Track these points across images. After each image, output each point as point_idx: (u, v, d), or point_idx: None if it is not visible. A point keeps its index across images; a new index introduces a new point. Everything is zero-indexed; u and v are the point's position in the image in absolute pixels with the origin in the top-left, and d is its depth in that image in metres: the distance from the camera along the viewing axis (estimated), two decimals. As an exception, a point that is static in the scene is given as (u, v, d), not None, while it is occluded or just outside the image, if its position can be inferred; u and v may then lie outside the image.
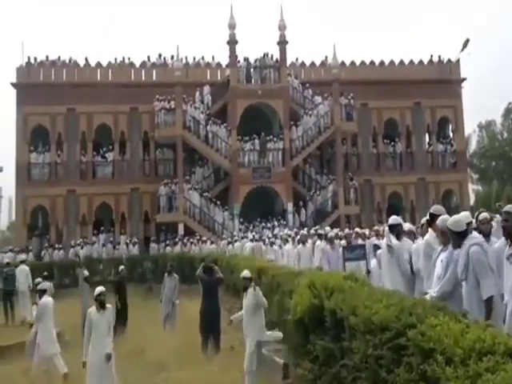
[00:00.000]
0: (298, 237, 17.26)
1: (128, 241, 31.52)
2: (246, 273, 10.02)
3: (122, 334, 14.97)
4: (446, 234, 6.72)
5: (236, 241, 24.92)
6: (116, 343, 13.87)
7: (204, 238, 28.30)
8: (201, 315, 12.44)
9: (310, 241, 16.25)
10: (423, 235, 8.23)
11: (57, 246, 31.37)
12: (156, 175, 34.74)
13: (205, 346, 12.11)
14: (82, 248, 30.18)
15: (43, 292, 12.47)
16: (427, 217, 8.14)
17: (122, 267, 17.03)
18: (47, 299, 12.25)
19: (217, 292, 12.92)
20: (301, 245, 15.81)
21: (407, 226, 10.01)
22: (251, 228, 29.41)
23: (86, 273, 16.88)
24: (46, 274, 18.79)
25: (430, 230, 7.88)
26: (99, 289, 9.95)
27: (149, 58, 36.82)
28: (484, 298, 5.65)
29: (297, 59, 37.49)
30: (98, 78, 35.46)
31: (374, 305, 4.65)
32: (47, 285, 15.27)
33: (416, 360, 3.72)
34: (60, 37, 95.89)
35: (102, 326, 9.60)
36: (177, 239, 29.90)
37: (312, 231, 18.77)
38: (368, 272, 10.78)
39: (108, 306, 9.95)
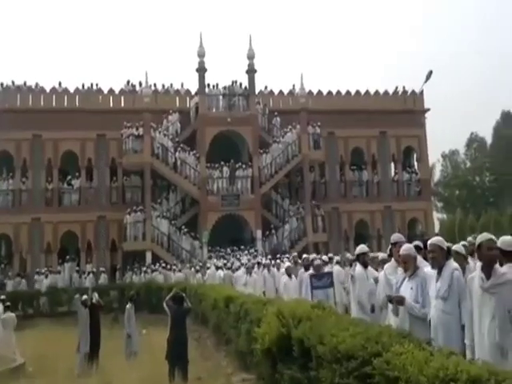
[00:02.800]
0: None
1: (94, 270, 31.06)
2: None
3: (97, 364, 14.76)
4: (410, 261, 6.83)
5: (208, 268, 24.70)
6: (85, 375, 13.68)
7: (173, 267, 28.02)
8: (168, 344, 12.29)
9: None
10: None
11: (22, 274, 30.79)
12: (123, 203, 34.39)
13: (172, 376, 11.95)
14: (46, 277, 29.64)
15: None
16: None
17: (95, 295, 16.71)
18: None
19: (185, 321, 12.82)
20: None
21: (381, 255, 10.19)
22: (220, 255, 29.30)
23: (85, 296, 16.38)
24: (8, 304, 18.45)
25: (392, 259, 8.05)
26: None
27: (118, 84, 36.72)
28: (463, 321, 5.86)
29: (265, 87, 37.90)
30: (65, 103, 35.12)
31: (340, 333, 4.69)
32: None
33: (382, 389, 3.75)
34: (26, 62, 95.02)
35: None
36: (144, 268, 29.57)
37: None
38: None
39: None
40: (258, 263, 20.12)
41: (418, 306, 6.46)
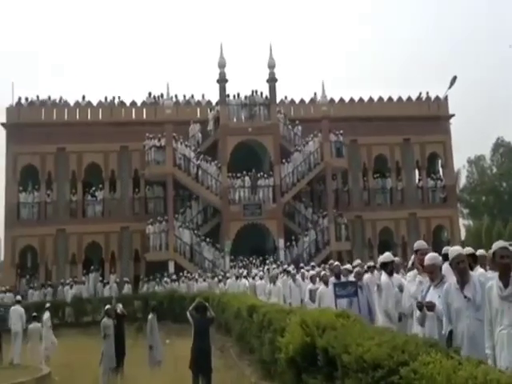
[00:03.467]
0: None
1: (118, 280, 31.21)
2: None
3: (121, 373, 14.79)
4: (435, 270, 6.72)
5: (228, 278, 24.71)
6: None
7: (196, 277, 28.04)
8: (192, 354, 12.26)
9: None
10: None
11: (47, 284, 31.13)
12: (146, 213, 34.61)
13: (196, 386, 11.92)
14: (71, 288, 29.88)
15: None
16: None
17: (119, 305, 16.76)
18: None
19: (208, 331, 12.79)
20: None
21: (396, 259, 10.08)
22: (242, 265, 29.24)
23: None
24: (35, 314, 18.63)
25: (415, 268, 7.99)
26: None
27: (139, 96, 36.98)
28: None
29: (286, 97, 37.90)
30: (89, 117, 35.55)
31: (365, 342, 4.61)
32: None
33: (409, 398, 3.66)
34: (50, 77, 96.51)
35: None
36: (165, 278, 29.63)
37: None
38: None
39: None
40: (286, 271, 19.94)
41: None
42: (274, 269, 24.28)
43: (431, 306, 6.45)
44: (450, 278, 6.54)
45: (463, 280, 6.11)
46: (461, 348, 5.55)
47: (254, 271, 24.23)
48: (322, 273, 14.44)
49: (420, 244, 8.16)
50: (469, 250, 7.46)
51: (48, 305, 20.55)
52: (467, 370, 3.42)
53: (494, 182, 61.08)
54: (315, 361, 5.79)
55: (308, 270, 18.26)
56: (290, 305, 15.74)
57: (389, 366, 4.09)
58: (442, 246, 10.76)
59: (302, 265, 22.42)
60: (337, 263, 13.57)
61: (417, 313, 6.79)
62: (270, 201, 32.57)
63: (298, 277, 17.86)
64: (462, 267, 6.14)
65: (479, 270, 7.46)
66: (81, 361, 16.50)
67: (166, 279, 29.43)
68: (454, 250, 6.34)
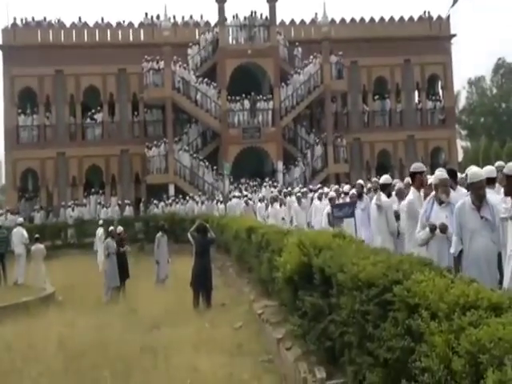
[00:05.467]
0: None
1: (119, 202, 31.53)
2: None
3: (123, 291, 15.22)
4: (446, 187, 6.53)
5: (230, 199, 24.88)
6: (112, 302, 14.12)
7: (197, 199, 28.23)
8: (193, 273, 12.62)
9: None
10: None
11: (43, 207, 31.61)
12: (146, 136, 34.54)
13: (196, 303, 12.32)
14: (73, 210, 30.25)
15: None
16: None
17: (120, 228, 17.08)
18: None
19: (209, 251, 13.12)
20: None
21: (398, 184, 9.95)
22: (242, 187, 29.38)
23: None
24: (37, 236, 18.94)
25: (412, 188, 7.91)
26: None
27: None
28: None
29: (286, 17, 37.05)
30: (85, 38, 34.88)
31: (361, 262, 4.72)
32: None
33: (402, 315, 3.79)
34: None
35: None
36: (167, 200, 29.91)
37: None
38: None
39: None
40: (290, 193, 19.81)
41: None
42: (271, 192, 24.35)
43: (444, 229, 6.22)
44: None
45: (481, 202, 5.83)
46: (472, 268, 5.60)
47: (257, 194, 24.35)
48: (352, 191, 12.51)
49: (419, 166, 8.09)
50: (490, 169, 6.96)
51: (101, 222, 23.16)
52: (459, 288, 3.52)
53: (494, 103, 60.53)
54: (311, 279, 5.94)
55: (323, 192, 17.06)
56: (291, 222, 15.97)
57: (383, 284, 4.20)
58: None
59: (310, 187, 22.17)
60: (360, 181, 12.26)
61: (421, 233, 6.53)
62: (269, 124, 32.43)
63: (304, 199, 17.49)
64: (482, 193, 5.83)
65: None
66: (84, 280, 16.95)
67: (162, 203, 29.71)
68: (474, 174, 5.94)
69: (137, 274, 16.70)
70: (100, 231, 20.95)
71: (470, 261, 5.79)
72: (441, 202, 6.44)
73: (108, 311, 12.70)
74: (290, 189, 22.21)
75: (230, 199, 24.91)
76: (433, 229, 6.31)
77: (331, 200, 12.06)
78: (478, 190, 5.82)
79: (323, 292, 5.59)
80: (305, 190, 19.22)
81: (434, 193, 6.60)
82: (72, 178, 34.26)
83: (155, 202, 30.52)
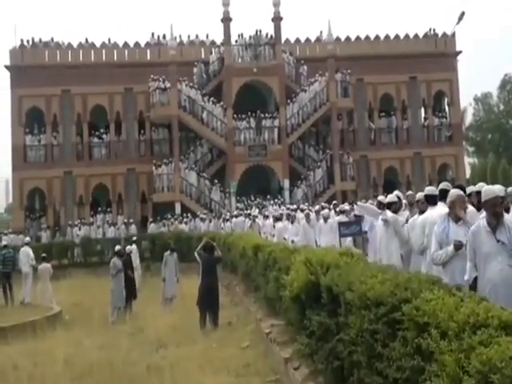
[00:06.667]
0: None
1: (126, 221, 31.57)
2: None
3: (130, 311, 15.19)
4: (463, 205, 6.36)
5: (236, 216, 24.86)
6: (119, 322, 14.07)
7: (203, 216, 28.22)
8: (200, 292, 12.57)
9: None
10: (421, 211, 8.06)
11: (50, 227, 31.64)
12: (152, 155, 34.65)
13: (203, 323, 12.24)
14: (79, 229, 30.27)
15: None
16: (425, 192, 8.02)
17: (129, 247, 17.11)
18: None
19: (216, 269, 13.07)
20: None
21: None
22: (248, 205, 29.39)
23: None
24: (44, 255, 18.96)
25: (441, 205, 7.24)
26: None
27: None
28: None
29: (291, 36, 37.27)
30: (92, 58, 35.18)
31: (369, 280, 4.68)
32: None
33: (411, 334, 3.75)
34: (53, 18, 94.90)
35: None
36: (173, 219, 29.89)
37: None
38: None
39: None
40: (300, 209, 19.74)
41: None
42: (275, 210, 24.30)
43: (460, 245, 5.93)
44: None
45: (497, 223, 5.46)
46: (489, 295, 5.08)
47: (262, 211, 24.31)
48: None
49: (431, 190, 7.90)
50: (500, 188, 6.47)
51: (134, 238, 22.60)
52: (469, 307, 3.48)
53: (501, 119, 60.45)
54: (319, 298, 5.89)
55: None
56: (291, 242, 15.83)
57: (391, 303, 4.16)
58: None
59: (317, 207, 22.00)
60: (381, 197, 11.57)
61: (440, 252, 6.23)
62: (275, 142, 32.49)
63: (312, 216, 17.34)
64: (499, 211, 5.50)
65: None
66: (90, 300, 16.91)
67: (168, 221, 29.69)
68: (488, 191, 5.63)
69: (143, 292, 16.68)
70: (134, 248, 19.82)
71: (485, 288, 5.42)
72: (456, 220, 6.25)
73: (114, 331, 12.66)
74: (295, 206, 22.19)
75: (236, 217, 24.88)
76: (459, 246, 6.00)
77: (343, 212, 12.11)
78: (493, 208, 5.50)
79: (331, 311, 5.54)
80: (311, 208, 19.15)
81: (447, 210, 6.42)
82: (79, 196, 34.35)
83: (162, 220, 30.48)
